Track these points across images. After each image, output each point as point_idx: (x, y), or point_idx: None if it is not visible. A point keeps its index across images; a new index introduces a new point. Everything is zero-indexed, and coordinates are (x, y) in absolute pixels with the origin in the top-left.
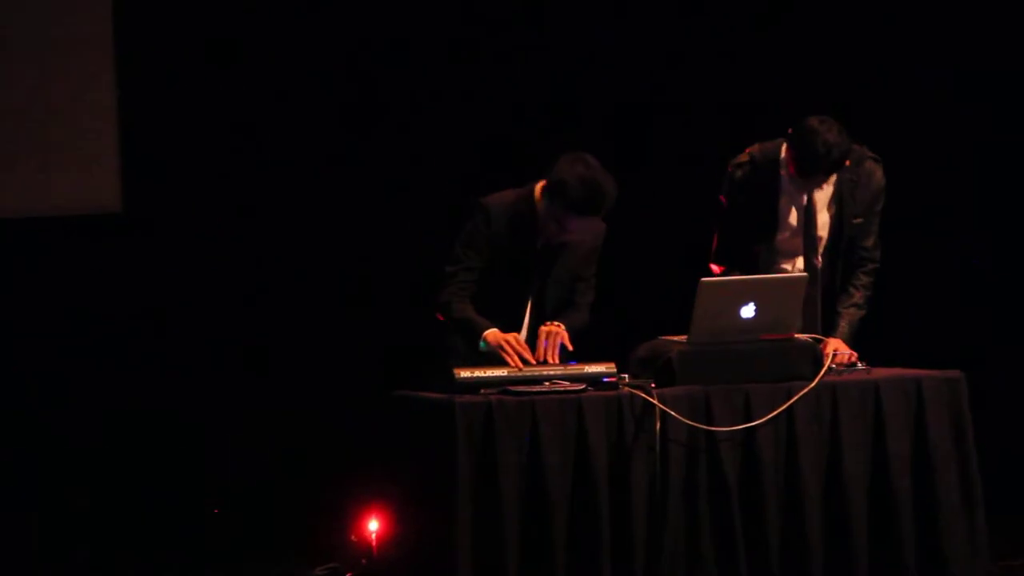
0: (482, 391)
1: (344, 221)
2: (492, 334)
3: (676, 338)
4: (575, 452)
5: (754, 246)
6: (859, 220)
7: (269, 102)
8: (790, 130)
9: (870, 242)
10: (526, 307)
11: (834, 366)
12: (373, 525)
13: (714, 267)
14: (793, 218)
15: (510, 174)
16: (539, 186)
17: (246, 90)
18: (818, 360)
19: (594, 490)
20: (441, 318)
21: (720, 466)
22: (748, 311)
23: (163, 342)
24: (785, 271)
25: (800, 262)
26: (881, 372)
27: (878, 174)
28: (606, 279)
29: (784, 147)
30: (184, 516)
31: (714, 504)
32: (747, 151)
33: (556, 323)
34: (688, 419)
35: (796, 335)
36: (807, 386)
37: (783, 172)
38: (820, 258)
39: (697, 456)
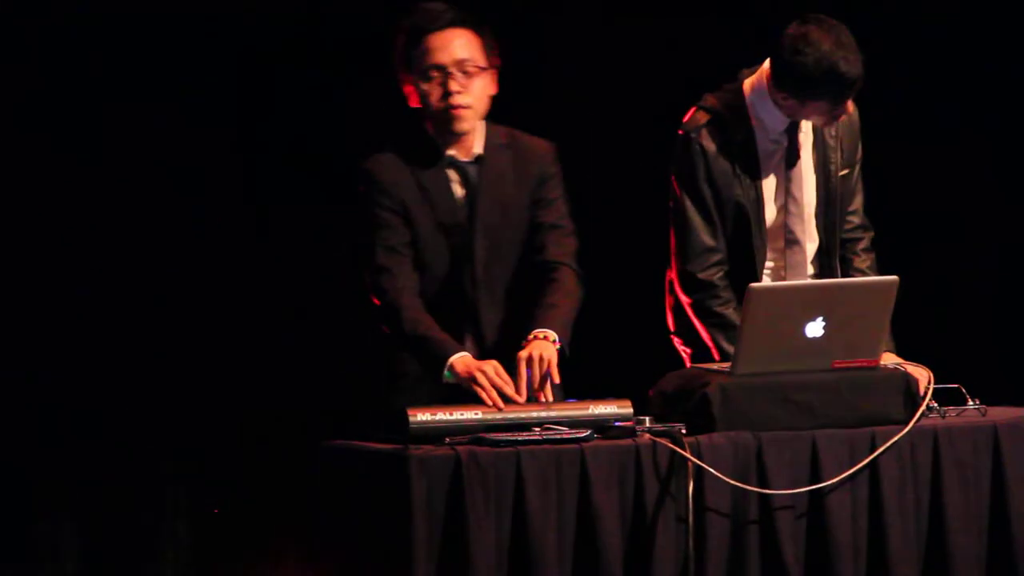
0: (447, 440)
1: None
2: (462, 361)
3: (715, 366)
4: (575, 524)
5: (739, 232)
6: (844, 172)
7: None
8: (771, 66)
9: (858, 203)
10: (452, 299)
11: (934, 404)
12: None
13: (676, 282)
14: (772, 181)
15: None
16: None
17: None
18: (913, 396)
19: None
20: (386, 330)
21: (777, 543)
22: (815, 329)
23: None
24: (772, 266)
25: (781, 237)
26: (1000, 413)
27: (855, 108)
28: (618, 283)
29: (760, 83)
30: None
31: None
32: (696, 107)
33: (543, 332)
34: (733, 478)
35: (882, 362)
36: (898, 432)
37: (755, 122)
38: (812, 228)
39: (745, 530)
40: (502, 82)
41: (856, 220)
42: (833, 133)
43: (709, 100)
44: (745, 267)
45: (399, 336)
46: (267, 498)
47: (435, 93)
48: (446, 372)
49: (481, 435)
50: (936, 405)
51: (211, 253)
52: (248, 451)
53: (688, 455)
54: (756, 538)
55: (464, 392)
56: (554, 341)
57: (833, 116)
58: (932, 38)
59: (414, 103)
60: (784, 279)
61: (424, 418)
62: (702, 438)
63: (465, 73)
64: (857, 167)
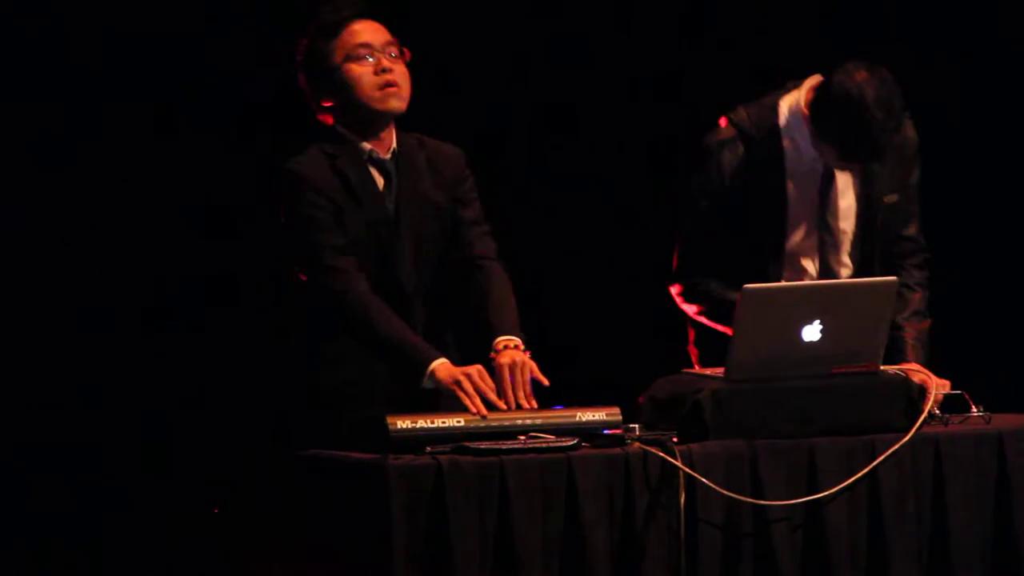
0: (428, 449)
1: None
2: (444, 367)
3: (708, 371)
4: (562, 535)
5: (752, 256)
6: (893, 199)
7: None
8: (811, 89)
9: (912, 228)
10: (399, 299)
11: (937, 411)
12: None
13: (677, 295)
14: (805, 208)
15: None
16: (329, 119)
17: None
18: (914, 402)
19: None
20: (355, 337)
21: (773, 556)
22: (812, 332)
23: None
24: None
25: (812, 266)
26: (1005, 420)
27: (910, 130)
28: (609, 288)
29: (798, 104)
30: None
31: None
32: (727, 119)
33: (511, 341)
34: (726, 489)
35: (882, 367)
36: (899, 440)
37: (788, 143)
38: (847, 258)
39: (739, 542)
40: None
41: (908, 244)
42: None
43: (740, 114)
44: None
45: (370, 338)
46: (241, 509)
47: (367, 72)
48: (426, 379)
49: (464, 444)
50: (938, 412)
51: (185, 254)
52: (222, 460)
53: (680, 464)
54: (751, 551)
55: (444, 400)
56: (524, 350)
57: (839, 166)
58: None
59: (327, 117)
60: None
61: (404, 426)
62: (694, 447)
63: (393, 56)
64: (913, 188)
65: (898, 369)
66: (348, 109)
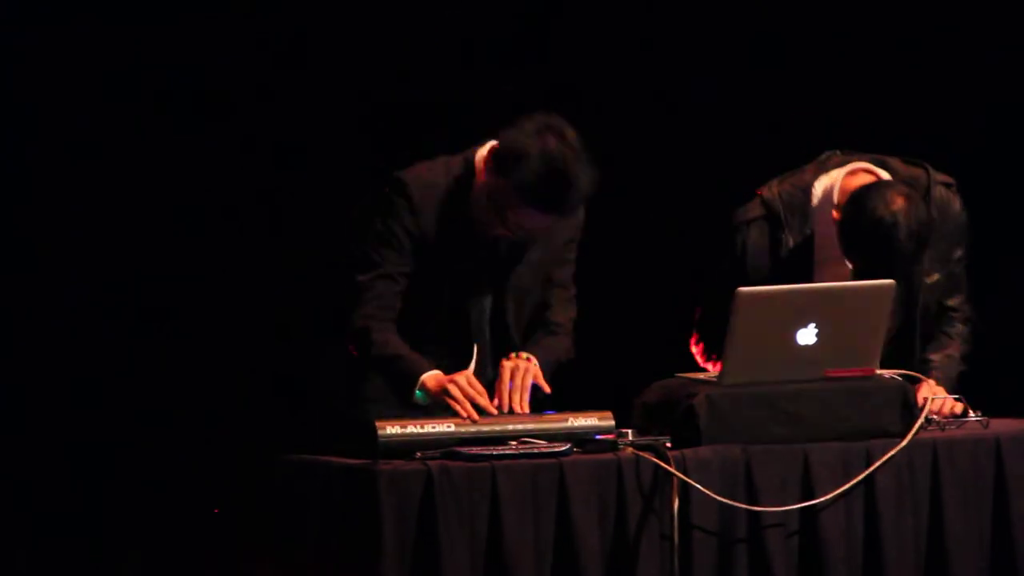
0: (418, 454)
1: (193, 217)
2: (433, 378)
3: (701, 376)
4: (554, 542)
5: None
6: (935, 277)
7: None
8: (838, 214)
9: (956, 300)
10: (472, 333)
11: (934, 416)
12: None
13: (698, 353)
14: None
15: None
16: (482, 152)
17: None
18: (911, 407)
19: None
20: (355, 352)
21: (767, 563)
22: (807, 336)
23: None
24: None
25: None
26: (1003, 425)
27: (954, 206)
28: (601, 292)
29: (832, 192)
30: None
31: None
32: (760, 197)
33: (524, 354)
34: (720, 494)
35: (879, 371)
36: (896, 445)
37: (821, 227)
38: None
39: (733, 549)
40: None
41: (955, 315)
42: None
43: (772, 190)
44: None
45: (367, 357)
46: (233, 514)
47: (499, 220)
48: (417, 392)
49: (454, 449)
50: (935, 417)
51: (176, 257)
52: (210, 464)
53: (673, 470)
54: (745, 558)
55: (436, 408)
56: (537, 364)
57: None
58: None
59: (485, 178)
60: None
61: (394, 431)
62: (688, 452)
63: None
64: (959, 261)
65: (895, 373)
66: (489, 196)
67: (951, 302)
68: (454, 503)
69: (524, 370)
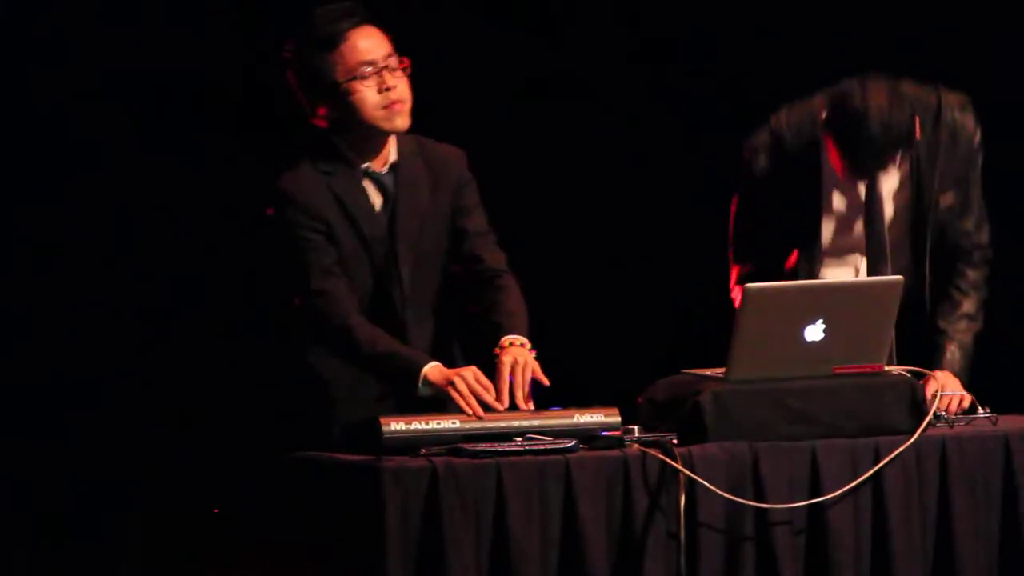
0: (422, 451)
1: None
2: (436, 370)
3: (708, 372)
4: (560, 540)
5: (790, 256)
6: (949, 198)
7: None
8: (823, 109)
9: (970, 222)
10: (381, 316)
11: (942, 413)
12: None
13: (736, 268)
14: (844, 208)
15: None
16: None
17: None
18: (919, 404)
19: None
20: (342, 357)
21: (775, 560)
22: (815, 332)
23: None
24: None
25: (860, 265)
26: (1012, 422)
27: (968, 124)
28: (607, 288)
29: (821, 114)
30: None
31: None
32: (768, 125)
33: (517, 339)
34: (727, 491)
35: (887, 367)
36: (904, 442)
37: (824, 156)
38: (892, 266)
39: (740, 547)
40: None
41: (965, 239)
42: (937, 156)
43: (780, 119)
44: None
45: (356, 358)
46: (236, 511)
47: (371, 92)
48: (420, 385)
49: (459, 445)
50: (944, 413)
51: (175, 256)
52: (214, 462)
53: (679, 467)
54: (752, 555)
55: (438, 403)
56: (530, 348)
57: (845, 168)
58: None
59: (321, 122)
60: None
61: (398, 427)
62: (694, 448)
63: (394, 68)
64: (972, 183)
65: (903, 369)
66: (348, 125)
67: (963, 224)
68: (459, 500)
69: (524, 364)
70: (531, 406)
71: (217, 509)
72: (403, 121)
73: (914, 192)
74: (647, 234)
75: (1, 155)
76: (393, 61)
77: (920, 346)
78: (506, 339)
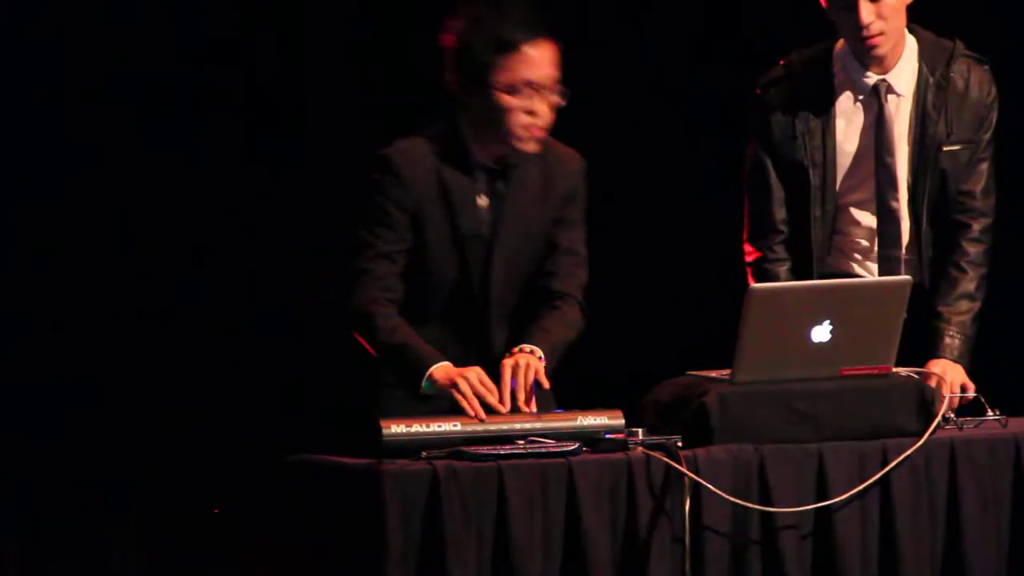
0: (423, 454)
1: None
2: (442, 370)
3: (713, 373)
4: (563, 544)
5: (802, 204)
6: (955, 148)
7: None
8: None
9: (976, 184)
10: (475, 308)
11: (951, 415)
12: None
13: (748, 249)
14: (856, 146)
15: None
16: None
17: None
18: (928, 406)
19: None
20: (358, 337)
21: (781, 565)
22: (822, 333)
23: None
24: (852, 233)
25: (870, 204)
26: (1022, 424)
27: (982, 81)
28: (611, 288)
29: (836, 51)
30: None
31: None
32: (782, 62)
33: (527, 347)
34: (733, 495)
35: (895, 368)
36: (912, 445)
37: (840, 77)
38: (904, 200)
39: (746, 551)
40: None
41: (968, 202)
42: (946, 102)
43: (791, 56)
44: (799, 238)
45: (372, 343)
46: (236, 514)
47: (520, 110)
48: (424, 383)
49: (460, 448)
50: (953, 415)
51: (180, 256)
52: (214, 461)
53: (684, 470)
54: (758, 559)
55: (443, 404)
56: (540, 357)
57: (854, 27)
58: None
59: (452, 87)
60: (877, 253)
61: (398, 430)
62: (699, 451)
63: (550, 95)
64: (983, 146)
65: (912, 371)
66: (481, 117)
67: (967, 186)
68: (460, 504)
69: (526, 367)
70: (533, 408)
71: (217, 509)
72: (533, 147)
73: (919, 133)
74: (651, 235)
75: (1, 155)
76: (554, 87)
77: (919, 323)
78: (519, 347)
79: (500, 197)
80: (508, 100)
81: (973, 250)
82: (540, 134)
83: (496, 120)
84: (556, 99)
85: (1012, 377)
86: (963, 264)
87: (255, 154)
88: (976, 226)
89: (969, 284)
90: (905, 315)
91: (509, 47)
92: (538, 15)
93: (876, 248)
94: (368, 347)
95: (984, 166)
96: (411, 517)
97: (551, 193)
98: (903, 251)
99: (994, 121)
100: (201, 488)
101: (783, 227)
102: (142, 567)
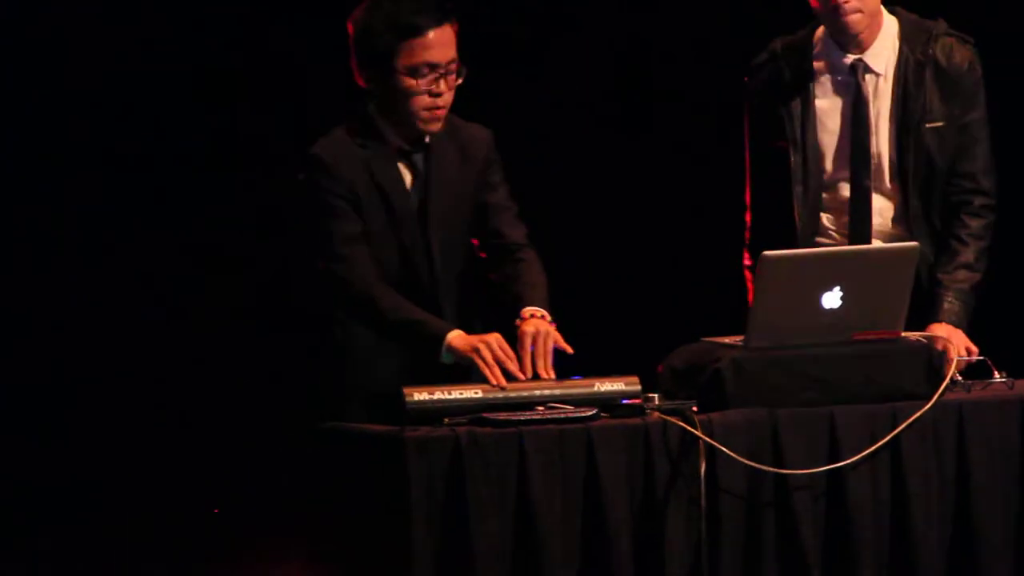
0: (445, 420)
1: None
2: (460, 338)
3: (727, 340)
4: (582, 507)
5: (786, 184)
6: (938, 124)
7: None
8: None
9: (975, 165)
10: (408, 292)
11: (959, 378)
12: None
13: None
14: (838, 126)
15: None
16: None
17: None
18: (936, 369)
19: (610, 562)
20: (363, 322)
21: (795, 525)
22: (832, 299)
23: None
24: (838, 211)
25: (846, 185)
26: None
27: (964, 57)
28: (624, 256)
29: (818, 34)
30: None
31: None
32: (769, 47)
33: (537, 311)
34: (747, 458)
35: (904, 333)
36: (921, 408)
37: (820, 62)
38: (888, 184)
39: (761, 512)
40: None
41: (967, 183)
42: (928, 79)
43: (775, 43)
44: (783, 217)
45: (380, 325)
46: (262, 485)
47: (421, 92)
48: (444, 353)
49: (482, 415)
50: (961, 378)
51: (180, 255)
52: (241, 434)
53: (700, 434)
54: (772, 520)
55: (462, 371)
56: (550, 321)
57: (831, 6)
58: None
59: (360, 81)
60: (846, 233)
61: (421, 398)
62: (714, 416)
63: (450, 75)
64: (974, 125)
65: (920, 335)
66: (388, 105)
67: (966, 166)
68: (482, 469)
69: (545, 334)
70: (552, 375)
71: (217, 509)
72: (438, 126)
73: (900, 113)
74: (667, 204)
75: (1, 155)
76: (453, 67)
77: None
78: (526, 311)
79: (421, 176)
80: (409, 81)
81: (974, 223)
82: (441, 114)
83: (401, 103)
84: (456, 79)
85: (1018, 340)
86: (964, 236)
87: (254, 154)
88: (977, 201)
89: (969, 255)
90: (913, 281)
91: (411, 32)
92: (440, 1)
93: (861, 232)
94: (374, 327)
95: (981, 147)
96: (434, 482)
97: (468, 164)
98: (875, 227)
99: (983, 100)
100: (202, 481)
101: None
102: (142, 567)
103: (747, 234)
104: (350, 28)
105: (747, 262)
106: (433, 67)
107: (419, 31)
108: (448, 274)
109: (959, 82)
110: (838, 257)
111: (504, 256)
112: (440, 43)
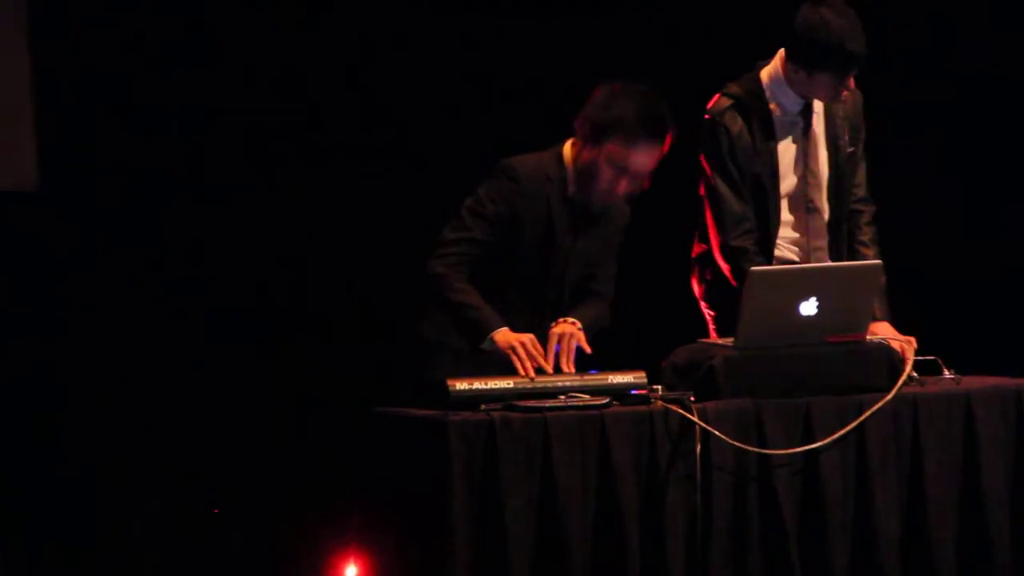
0: (483, 407)
1: (293, 206)
2: (503, 335)
3: (720, 341)
4: (597, 481)
5: (759, 210)
6: (850, 149)
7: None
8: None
9: (861, 179)
10: (527, 295)
11: (915, 375)
12: (351, 572)
13: (720, 263)
14: (792, 157)
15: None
16: (569, 143)
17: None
18: (895, 367)
19: (620, 528)
20: (430, 291)
21: (775, 497)
22: (809, 307)
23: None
24: (790, 236)
25: (801, 207)
26: (973, 382)
27: (857, 92)
28: (634, 269)
29: (776, 69)
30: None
31: (768, 544)
32: (723, 94)
33: (571, 319)
34: (736, 440)
35: (868, 336)
36: (882, 399)
37: (773, 105)
38: (825, 200)
39: (747, 485)
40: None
41: (860, 192)
42: (841, 114)
43: (732, 88)
44: (762, 233)
45: (444, 301)
46: (324, 462)
47: (606, 180)
48: (486, 342)
49: (513, 402)
50: (916, 375)
51: (180, 255)
52: (305, 418)
53: (696, 420)
54: (756, 492)
55: (495, 363)
56: (580, 328)
57: (837, 91)
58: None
59: (578, 132)
60: (806, 244)
61: (463, 387)
62: (709, 405)
63: (640, 180)
64: (861, 145)
65: (880, 338)
66: (581, 164)
67: (856, 180)
68: (513, 448)
69: (570, 335)
70: (573, 370)
71: (217, 509)
72: (602, 208)
73: (830, 137)
74: (671, 222)
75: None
76: (643, 177)
77: None
78: (561, 317)
79: (583, 224)
80: (606, 170)
81: (871, 231)
82: (613, 201)
83: (586, 175)
84: (639, 186)
85: (965, 342)
86: (868, 242)
87: (255, 154)
88: (867, 211)
89: (876, 258)
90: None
91: (630, 139)
92: (666, 123)
93: (808, 241)
94: (440, 301)
95: (863, 160)
96: (473, 459)
97: (612, 227)
98: (825, 241)
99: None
100: (202, 482)
101: (751, 226)
102: (142, 568)
103: (713, 234)
104: (597, 96)
105: (721, 265)
106: (628, 172)
107: (635, 142)
108: (563, 299)
109: (857, 112)
110: (815, 272)
111: (587, 295)
112: (644, 158)
